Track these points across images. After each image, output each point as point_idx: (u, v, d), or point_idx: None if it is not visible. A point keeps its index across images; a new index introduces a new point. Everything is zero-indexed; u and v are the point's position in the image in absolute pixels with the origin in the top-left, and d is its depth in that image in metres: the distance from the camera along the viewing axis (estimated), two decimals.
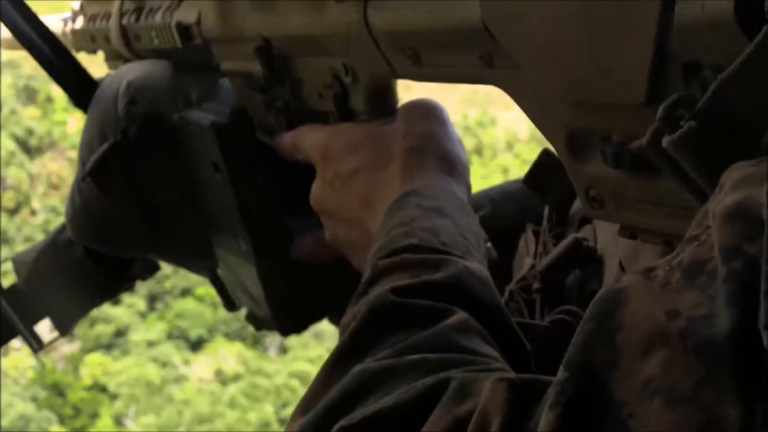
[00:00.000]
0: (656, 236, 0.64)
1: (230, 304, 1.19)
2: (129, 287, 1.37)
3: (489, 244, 0.76)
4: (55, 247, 1.34)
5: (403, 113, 0.84)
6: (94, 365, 13.90)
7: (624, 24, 0.57)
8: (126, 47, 1.24)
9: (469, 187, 0.81)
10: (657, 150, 0.53)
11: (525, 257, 0.89)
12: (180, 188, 1.12)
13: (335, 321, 1.10)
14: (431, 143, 0.81)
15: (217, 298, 1.21)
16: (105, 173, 1.14)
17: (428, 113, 0.83)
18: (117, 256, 1.28)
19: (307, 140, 0.90)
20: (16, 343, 1.39)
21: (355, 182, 0.83)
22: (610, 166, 0.64)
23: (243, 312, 1.15)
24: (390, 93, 0.86)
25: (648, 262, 0.49)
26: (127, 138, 1.13)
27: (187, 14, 1.07)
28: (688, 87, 0.55)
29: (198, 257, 1.16)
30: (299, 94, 0.94)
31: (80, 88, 1.23)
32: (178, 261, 1.22)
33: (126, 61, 1.27)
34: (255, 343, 14.53)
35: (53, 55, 1.21)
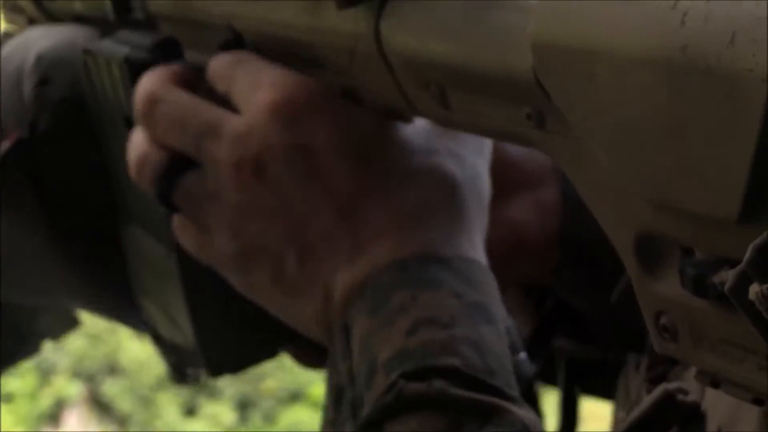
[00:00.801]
0: (742, 390, 0.52)
1: (179, 374, 0.91)
2: (33, 352, 1.06)
3: (524, 355, 0.59)
4: None
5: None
6: None
7: (722, 120, 0.47)
8: (34, 2, 1.01)
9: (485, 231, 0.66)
10: (741, 300, 0.44)
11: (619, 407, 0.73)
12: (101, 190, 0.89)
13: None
14: (479, 187, 0.68)
15: None
16: (4, 184, 0.88)
17: (477, 140, 0.69)
18: (16, 303, 0.98)
19: (259, 77, 0.70)
20: None
21: (331, 171, 0.65)
22: (690, 292, 0.52)
23: None
24: None
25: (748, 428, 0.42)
26: (36, 132, 0.88)
27: None
28: None
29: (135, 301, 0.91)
30: None
31: None
32: (110, 309, 0.95)
33: (33, 23, 1.04)
34: None
35: None
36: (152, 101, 0.73)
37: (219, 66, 0.74)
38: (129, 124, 0.80)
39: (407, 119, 0.70)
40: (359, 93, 0.70)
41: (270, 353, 0.84)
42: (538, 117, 0.57)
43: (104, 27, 0.93)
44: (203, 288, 0.81)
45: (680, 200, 0.50)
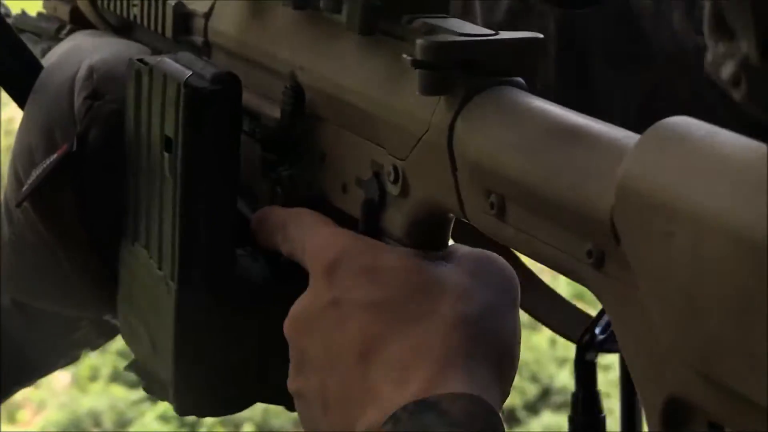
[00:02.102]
0: None
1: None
2: (73, 360, 1.07)
3: None
4: None
5: (468, 263, 0.69)
6: None
7: None
8: (91, 5, 1.01)
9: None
10: None
11: None
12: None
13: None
14: (491, 323, 0.67)
15: None
16: (51, 197, 0.87)
17: (500, 278, 0.69)
18: (57, 313, 0.99)
19: (309, 237, 0.73)
20: None
21: (363, 319, 0.67)
22: None
23: None
24: (443, 229, 0.71)
25: None
26: (86, 146, 0.87)
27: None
28: None
29: None
30: (316, 173, 0.79)
31: (22, 77, 0.94)
32: None
33: (74, 21, 1.02)
34: None
35: None
36: None
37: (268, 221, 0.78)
38: (168, 145, 0.80)
39: (446, 223, 0.71)
40: (408, 180, 0.70)
41: (243, 407, 0.83)
42: (599, 256, 0.57)
43: (155, 44, 0.93)
44: (195, 330, 0.80)
45: (727, 376, 0.50)
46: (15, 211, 0.91)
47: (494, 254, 0.70)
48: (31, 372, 1.06)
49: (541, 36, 0.67)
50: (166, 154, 0.80)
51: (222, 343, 0.81)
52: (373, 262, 0.68)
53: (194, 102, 0.77)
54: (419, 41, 0.66)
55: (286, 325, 0.71)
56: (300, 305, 0.71)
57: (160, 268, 0.82)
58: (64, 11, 1.08)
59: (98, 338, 1.05)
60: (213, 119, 0.78)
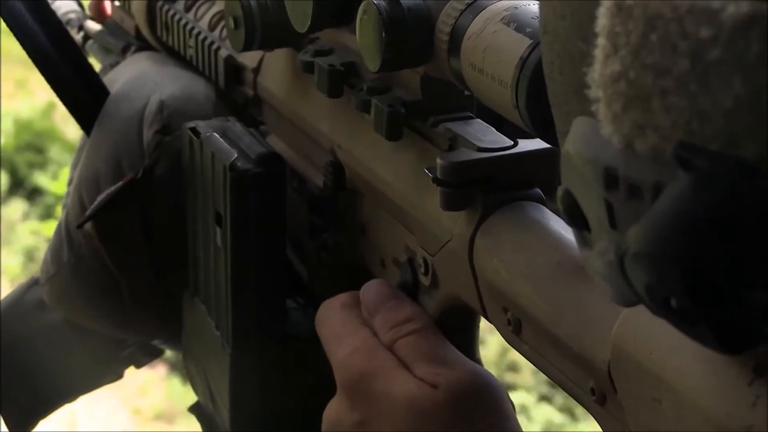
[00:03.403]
0: None
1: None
2: (116, 377, 1.11)
3: None
4: (19, 307, 1.07)
5: (454, 397, 0.71)
6: None
7: None
8: (150, 30, 1.05)
9: None
10: None
11: None
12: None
13: None
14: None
15: None
16: (114, 219, 0.92)
17: (486, 403, 0.71)
18: (108, 334, 1.04)
19: (334, 350, 0.76)
20: None
21: None
22: None
23: None
24: (474, 316, 0.74)
25: None
26: (152, 177, 0.92)
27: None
28: None
29: None
30: (358, 243, 0.83)
31: (89, 103, 0.98)
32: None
33: (139, 38, 1.06)
34: None
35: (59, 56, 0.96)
36: None
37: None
38: (218, 220, 0.85)
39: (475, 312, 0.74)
40: (438, 274, 0.74)
41: None
42: (601, 396, 0.61)
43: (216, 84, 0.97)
44: (249, 387, 0.87)
45: None
46: (76, 235, 0.95)
47: (473, 378, 0.71)
48: (76, 388, 1.10)
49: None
50: (217, 228, 0.85)
51: (274, 395, 0.87)
52: (385, 389, 0.71)
53: (239, 184, 0.82)
54: (439, 161, 0.69)
55: (324, 430, 0.75)
56: (331, 415, 0.74)
57: (217, 328, 0.87)
58: (130, 25, 1.11)
59: (144, 357, 1.09)
60: (258, 199, 0.83)
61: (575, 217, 0.47)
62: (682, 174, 0.39)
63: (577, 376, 0.63)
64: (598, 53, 0.43)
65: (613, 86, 0.42)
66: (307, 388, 0.86)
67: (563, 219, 0.48)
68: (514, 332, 0.67)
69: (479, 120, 0.73)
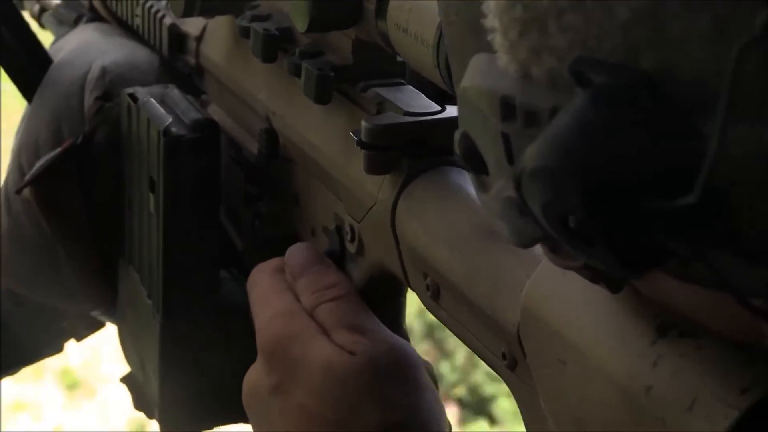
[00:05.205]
0: None
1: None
2: (56, 350, 1.09)
3: None
4: None
5: (371, 365, 0.70)
6: None
7: None
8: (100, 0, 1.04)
9: None
10: None
11: None
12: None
13: None
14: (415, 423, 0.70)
15: None
16: (53, 186, 0.90)
17: (403, 373, 0.70)
18: (41, 303, 1.02)
19: (256, 313, 0.75)
20: None
21: (297, 422, 0.70)
22: None
23: None
24: (399, 286, 0.74)
25: None
26: (92, 143, 0.91)
27: (189, 19, 0.89)
28: None
29: None
30: (291, 212, 0.82)
31: (32, 70, 0.97)
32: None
33: (93, 10, 1.06)
34: None
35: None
36: None
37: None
38: (152, 185, 0.84)
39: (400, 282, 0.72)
40: (363, 241, 0.73)
41: (225, 422, 0.89)
42: (512, 360, 0.60)
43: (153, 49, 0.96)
44: (179, 357, 0.86)
45: None
46: (14, 201, 0.94)
47: (397, 347, 0.71)
48: (17, 359, 1.08)
49: None
50: (150, 194, 0.84)
51: (205, 366, 0.86)
52: (302, 354, 0.70)
53: (172, 150, 0.81)
54: (363, 123, 0.68)
55: (243, 394, 0.74)
56: (250, 379, 0.74)
57: (149, 297, 0.87)
58: None
59: (84, 330, 1.08)
60: (191, 166, 0.82)
61: (473, 160, 0.46)
62: (579, 91, 0.39)
63: (491, 341, 0.62)
64: None
65: (508, 12, 0.42)
66: (239, 360, 0.85)
67: (460, 164, 0.47)
68: (433, 298, 0.66)
69: (410, 86, 0.72)
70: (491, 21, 0.44)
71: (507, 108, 0.43)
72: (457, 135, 0.47)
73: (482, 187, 0.47)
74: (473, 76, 0.45)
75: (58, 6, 1.16)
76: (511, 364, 0.61)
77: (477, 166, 0.46)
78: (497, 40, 0.43)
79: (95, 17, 1.08)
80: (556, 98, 0.41)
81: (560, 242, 0.42)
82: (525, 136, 0.42)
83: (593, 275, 0.47)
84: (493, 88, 0.44)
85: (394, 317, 0.75)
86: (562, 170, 0.39)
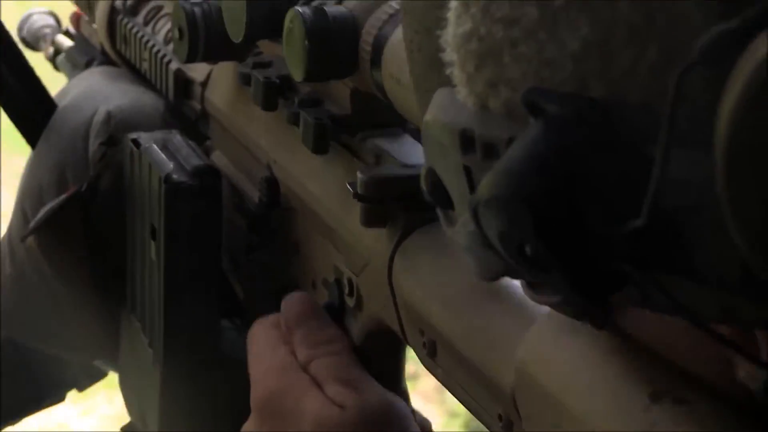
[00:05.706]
0: None
1: None
2: (58, 400, 1.07)
3: None
4: None
5: (360, 418, 0.68)
6: None
7: None
8: (110, 43, 1.03)
9: None
10: None
11: None
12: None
13: None
14: None
15: None
16: (58, 234, 0.89)
17: (392, 427, 0.70)
18: (42, 351, 1.01)
19: (251, 366, 0.74)
20: None
21: None
22: None
23: None
24: (397, 342, 0.71)
25: None
26: (97, 190, 0.90)
27: (195, 65, 0.88)
28: None
29: None
30: (291, 262, 0.80)
31: (35, 116, 0.96)
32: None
33: (105, 53, 1.05)
34: None
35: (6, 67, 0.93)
36: None
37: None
38: (153, 232, 0.83)
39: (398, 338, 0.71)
40: (362, 295, 0.71)
41: None
42: (508, 422, 0.58)
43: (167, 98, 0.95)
44: (179, 406, 0.84)
45: None
46: (18, 248, 0.93)
47: (387, 401, 0.70)
48: (19, 409, 1.06)
49: None
50: (152, 241, 0.83)
51: (204, 416, 0.85)
52: (294, 407, 0.69)
53: (173, 196, 0.80)
54: (359, 175, 0.66)
55: None
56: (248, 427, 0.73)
57: (150, 345, 0.85)
58: (97, 40, 1.10)
59: (87, 379, 1.06)
60: (192, 213, 0.81)
61: (439, 195, 0.46)
62: (533, 121, 0.39)
63: (487, 402, 0.60)
64: (451, 15, 0.43)
65: (465, 45, 0.42)
66: (238, 411, 0.84)
67: (427, 199, 0.47)
68: (430, 356, 0.65)
69: (408, 136, 0.71)
70: (449, 54, 0.44)
71: (467, 141, 0.43)
72: (423, 170, 0.47)
73: (449, 221, 0.47)
74: (435, 110, 0.46)
75: (70, 48, 1.15)
76: (506, 427, 0.58)
77: (443, 201, 0.47)
78: (456, 73, 0.44)
79: (106, 60, 1.08)
80: (513, 129, 0.41)
81: (521, 271, 0.43)
82: (485, 168, 0.42)
83: (575, 312, 0.47)
84: (453, 121, 0.44)
85: (394, 373, 0.74)
86: (514, 199, 0.40)
